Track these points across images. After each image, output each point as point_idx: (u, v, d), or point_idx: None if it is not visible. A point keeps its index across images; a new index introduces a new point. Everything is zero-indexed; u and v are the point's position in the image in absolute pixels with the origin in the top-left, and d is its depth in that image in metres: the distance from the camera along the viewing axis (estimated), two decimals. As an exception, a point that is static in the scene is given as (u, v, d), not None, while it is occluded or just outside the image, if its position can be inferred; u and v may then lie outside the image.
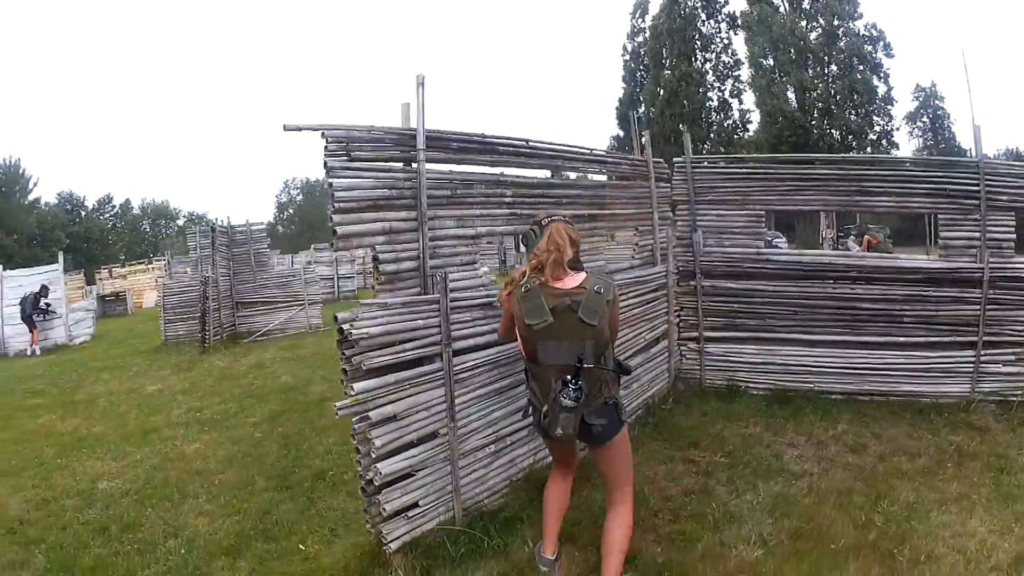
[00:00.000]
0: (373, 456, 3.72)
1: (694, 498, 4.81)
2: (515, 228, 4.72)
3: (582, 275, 3.22)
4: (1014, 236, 6.97)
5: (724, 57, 35.77)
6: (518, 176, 4.95)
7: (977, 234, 7.08)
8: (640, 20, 41.90)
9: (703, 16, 36.69)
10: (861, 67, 27.99)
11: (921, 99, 48.23)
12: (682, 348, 7.60)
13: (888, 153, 29.33)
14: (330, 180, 3.71)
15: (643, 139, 7.03)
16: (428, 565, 3.80)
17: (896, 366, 7.12)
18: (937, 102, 46.43)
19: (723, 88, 37.07)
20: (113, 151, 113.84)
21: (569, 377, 2.99)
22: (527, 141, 4.98)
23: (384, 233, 3.92)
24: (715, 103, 37.29)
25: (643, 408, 6.45)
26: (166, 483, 5.99)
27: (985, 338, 6.93)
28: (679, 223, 7.52)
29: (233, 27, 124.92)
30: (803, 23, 28.55)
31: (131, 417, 8.65)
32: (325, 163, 3.69)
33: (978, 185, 6.99)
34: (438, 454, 4.06)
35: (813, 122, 28.04)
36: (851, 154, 7.19)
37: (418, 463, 3.96)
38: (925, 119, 46.98)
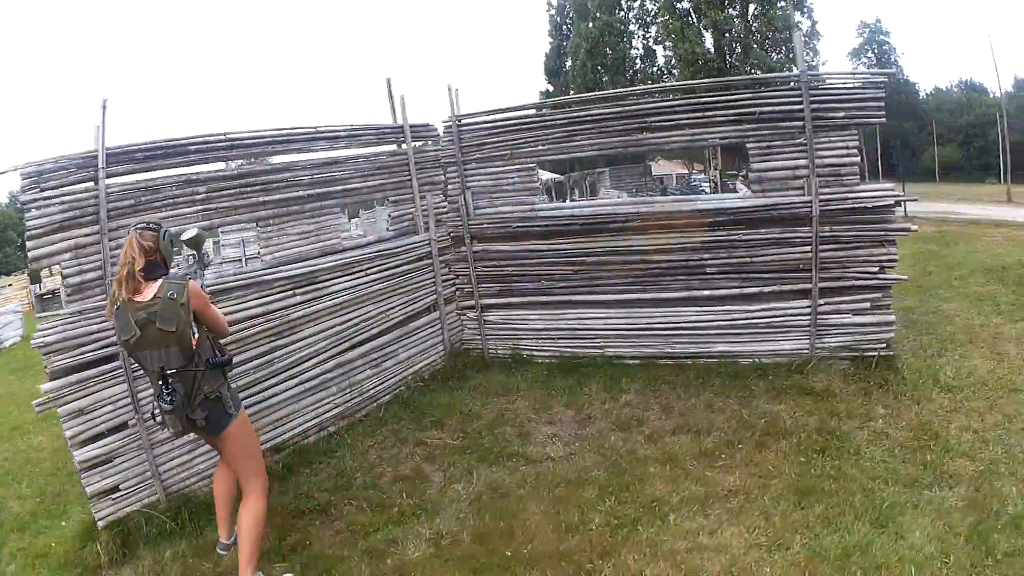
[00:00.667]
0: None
1: (400, 486, 4.57)
2: (211, 223, 5.01)
3: (157, 284, 3.23)
4: (857, 159, 5.82)
5: (649, 4, 34.44)
6: (213, 172, 5.13)
7: (803, 161, 5.87)
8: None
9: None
10: (782, 3, 26.39)
11: (865, 35, 48.20)
12: (463, 318, 7.12)
13: None
14: (23, 214, 4.20)
15: (400, 102, 6.63)
16: (128, 542, 4.17)
17: (705, 324, 6.24)
18: (882, 37, 46.36)
19: (647, 36, 35.86)
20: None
21: (161, 383, 3.15)
22: (225, 135, 5.17)
23: (71, 250, 4.35)
24: (640, 51, 35.92)
25: (403, 386, 6.22)
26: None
27: (824, 284, 5.90)
28: (450, 186, 7.04)
29: None
30: None
31: None
32: (19, 200, 4.24)
33: (801, 103, 5.81)
34: (130, 442, 4.42)
35: (733, 65, 26.43)
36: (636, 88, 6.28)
37: (112, 451, 4.35)
38: (871, 55, 46.91)
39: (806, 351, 6.02)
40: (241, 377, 4.89)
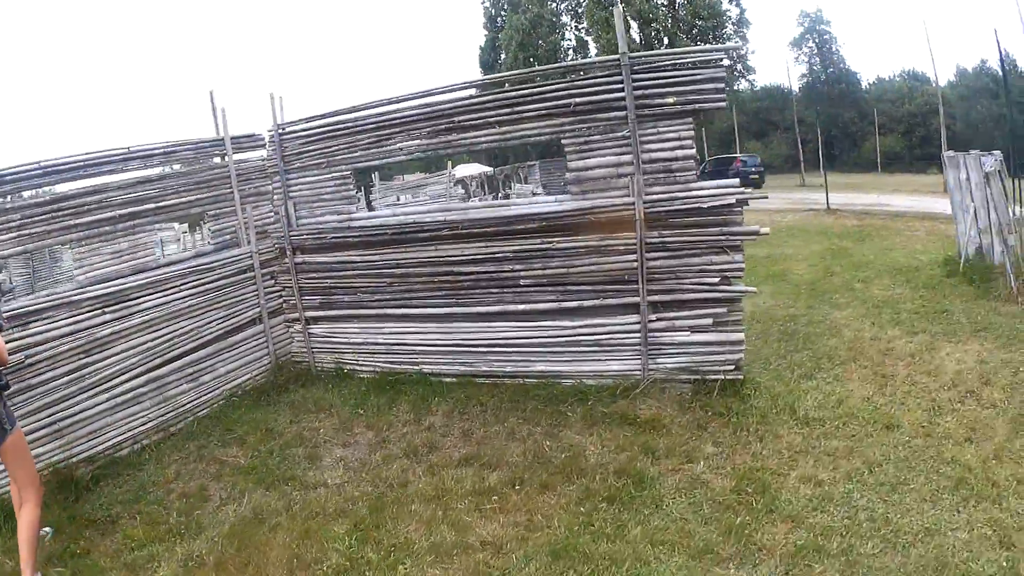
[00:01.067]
0: None
1: (181, 503, 4.43)
2: (24, 248, 5.20)
3: None
4: (692, 152, 5.05)
5: (582, -5, 33.44)
6: (26, 199, 5.37)
7: (627, 157, 5.10)
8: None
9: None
10: None
11: (806, 24, 48.64)
12: (291, 330, 6.88)
13: (738, 85, 27.98)
14: None
15: (221, 114, 6.49)
16: None
17: (523, 341, 5.63)
18: (823, 27, 46.79)
19: (580, 27, 35.29)
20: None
21: None
22: (39, 163, 5.21)
23: None
24: (573, 43, 35.20)
25: (223, 400, 6.11)
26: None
27: (654, 298, 5.16)
28: (276, 196, 6.76)
29: None
30: None
31: None
32: None
33: (623, 90, 5.04)
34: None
35: None
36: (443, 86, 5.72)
37: None
38: (812, 44, 47.27)
39: (637, 373, 5.30)
40: (53, 392, 4.96)
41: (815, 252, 10.72)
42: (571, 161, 5.35)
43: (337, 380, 6.41)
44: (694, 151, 5.04)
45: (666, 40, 26.53)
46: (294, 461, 4.88)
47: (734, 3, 26.97)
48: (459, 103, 5.77)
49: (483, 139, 5.69)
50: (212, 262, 6.18)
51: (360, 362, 6.50)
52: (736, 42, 26.62)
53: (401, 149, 5.97)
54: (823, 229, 13.50)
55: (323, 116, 6.40)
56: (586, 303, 5.43)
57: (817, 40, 49.19)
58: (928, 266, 9.05)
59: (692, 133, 5.02)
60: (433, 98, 5.92)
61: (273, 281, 6.73)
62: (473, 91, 6.03)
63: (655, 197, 5.07)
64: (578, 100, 5.22)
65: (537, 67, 5.39)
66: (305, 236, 6.57)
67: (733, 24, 27.04)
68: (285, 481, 4.58)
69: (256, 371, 6.47)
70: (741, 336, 5.07)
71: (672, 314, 5.22)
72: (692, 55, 5.00)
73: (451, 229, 5.70)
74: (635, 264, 5.15)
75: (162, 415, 5.64)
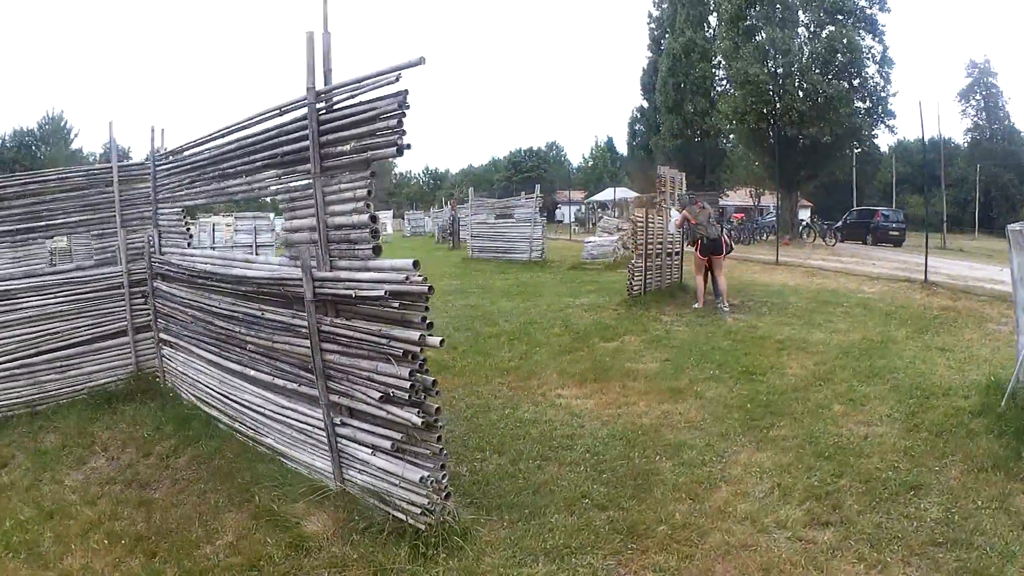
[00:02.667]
0: None
1: None
2: None
3: None
4: (365, 217, 4.04)
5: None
6: None
7: (312, 221, 4.33)
8: (667, -15, 38.25)
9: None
10: (844, 21, 22.64)
11: (974, 76, 43.37)
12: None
13: (877, 129, 24.29)
14: None
15: (113, 145, 7.66)
16: None
17: (258, 408, 5.22)
18: (991, 79, 41.73)
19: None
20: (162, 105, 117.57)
21: None
22: None
23: None
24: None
25: (85, 394, 6.99)
26: None
27: (334, 397, 4.32)
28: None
29: None
30: None
31: None
32: None
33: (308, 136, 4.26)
34: None
35: (785, 90, 23.10)
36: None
37: None
38: (979, 97, 42.32)
39: (330, 479, 4.42)
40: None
41: (843, 343, 8.51)
42: (284, 220, 4.63)
43: (169, 400, 6.66)
44: (367, 216, 3.94)
45: (799, 74, 23.57)
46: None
47: (876, 39, 23.31)
48: (221, 148, 5.41)
49: (238, 188, 5.22)
50: (88, 276, 7.14)
51: (182, 389, 6.66)
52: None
53: (195, 194, 6.10)
54: (893, 309, 10.94)
55: (175, 151, 6.61)
56: (289, 384, 4.70)
57: (984, 93, 43.67)
58: (962, 390, 6.31)
59: (367, 191, 3.95)
60: (215, 141, 5.54)
61: (143, 300, 7.25)
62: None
63: (327, 275, 4.12)
64: (285, 149, 4.42)
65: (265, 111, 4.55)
66: (157, 264, 6.89)
67: (875, 63, 23.42)
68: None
69: (118, 376, 7.20)
70: (422, 475, 3.79)
71: (355, 423, 4.22)
72: (370, 84, 3.85)
73: (211, 280, 5.48)
74: (309, 351, 4.30)
75: (32, 396, 6.75)
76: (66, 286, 7.00)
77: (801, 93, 23.22)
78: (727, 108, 25.37)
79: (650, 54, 41.57)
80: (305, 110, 4.21)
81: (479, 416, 6.06)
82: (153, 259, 6.98)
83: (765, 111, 24.24)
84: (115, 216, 7.28)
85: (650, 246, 11.64)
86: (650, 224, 11.68)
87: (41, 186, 7.19)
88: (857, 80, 23.65)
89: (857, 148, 26.38)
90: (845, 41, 22.27)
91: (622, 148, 58.86)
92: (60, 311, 6.93)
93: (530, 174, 64.71)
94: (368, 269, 3.98)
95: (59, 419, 6.33)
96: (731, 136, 26.78)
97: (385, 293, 3.77)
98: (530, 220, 20.56)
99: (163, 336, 7.03)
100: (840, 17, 23.07)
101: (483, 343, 9.10)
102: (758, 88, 23.49)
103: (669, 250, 12.50)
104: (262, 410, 5.08)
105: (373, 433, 4.09)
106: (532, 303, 12.01)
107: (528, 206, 20.80)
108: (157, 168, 7.00)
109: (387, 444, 3.97)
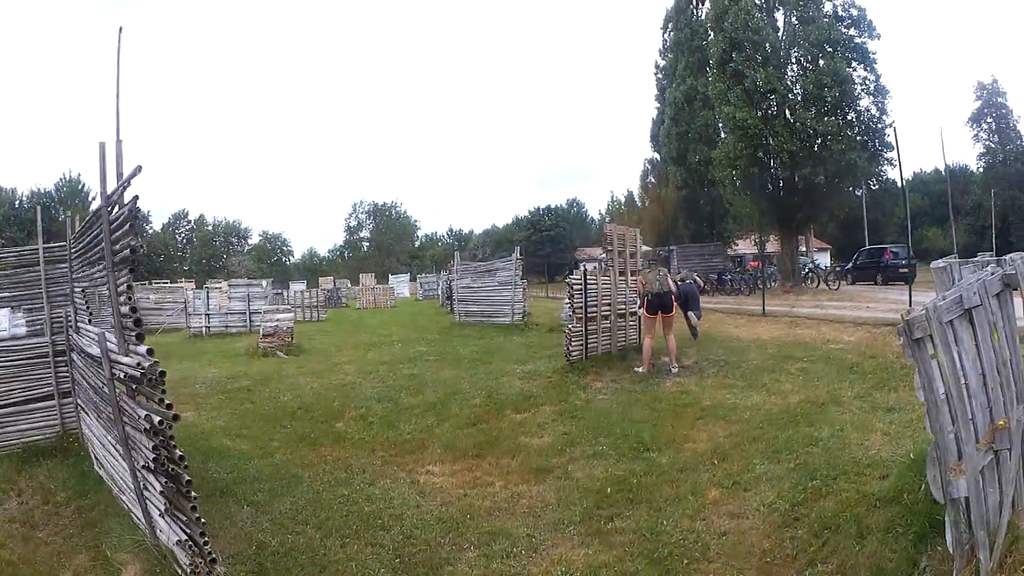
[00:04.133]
0: None
1: None
2: None
3: None
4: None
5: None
6: None
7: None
8: (669, 34, 38.35)
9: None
10: (832, 52, 22.21)
11: (983, 98, 42.43)
12: None
13: (879, 165, 23.53)
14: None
15: (40, 228, 7.96)
16: None
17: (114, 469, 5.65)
18: (1000, 99, 40.62)
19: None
20: (182, 169, 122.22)
21: None
22: None
23: None
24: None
25: (20, 448, 7.28)
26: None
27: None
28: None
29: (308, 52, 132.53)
30: (758, 14, 23.43)
31: None
32: None
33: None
34: None
35: (775, 132, 22.67)
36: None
37: None
38: (989, 120, 41.13)
39: (148, 534, 4.66)
40: None
41: (776, 408, 7.93)
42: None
43: (81, 458, 6.90)
44: (128, 307, 4.18)
45: (787, 113, 23.19)
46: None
47: (867, 68, 22.79)
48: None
49: (99, 275, 5.54)
50: (20, 345, 7.66)
51: (90, 449, 6.89)
52: (871, 113, 22.29)
53: (83, 277, 6.51)
54: (860, 360, 10.24)
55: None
56: (120, 449, 5.01)
57: (995, 115, 42.64)
58: (883, 466, 5.46)
59: (127, 285, 4.28)
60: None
61: (67, 368, 7.61)
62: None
63: (116, 357, 4.49)
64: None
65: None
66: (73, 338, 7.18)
67: (868, 94, 22.86)
68: None
69: (46, 435, 7.61)
70: (177, 539, 4.11)
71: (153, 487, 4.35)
72: (117, 191, 3.97)
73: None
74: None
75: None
76: (2, 353, 7.54)
77: (789, 133, 22.73)
78: (720, 155, 25.11)
79: (658, 105, 40.95)
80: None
81: (331, 489, 6.13)
82: (70, 333, 7.32)
83: (758, 155, 23.75)
84: (42, 293, 8.00)
85: (595, 309, 11.26)
86: (596, 285, 11.34)
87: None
88: (851, 115, 23.08)
89: (850, 187, 25.57)
90: (833, 74, 21.82)
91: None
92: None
93: (549, 232, 65.00)
94: (128, 354, 4.17)
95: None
96: (725, 184, 26.26)
97: (123, 375, 4.10)
98: (511, 283, 20.36)
99: (78, 401, 7.38)
100: (828, 48, 22.66)
101: (396, 415, 8.96)
102: (747, 132, 23.14)
103: (623, 311, 12.09)
104: (115, 471, 5.41)
105: (156, 497, 4.26)
106: (474, 371, 11.75)
107: (508, 269, 20.64)
108: (72, 251, 7.41)
109: (161, 507, 4.18)
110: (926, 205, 49.93)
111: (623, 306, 12.14)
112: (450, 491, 5.93)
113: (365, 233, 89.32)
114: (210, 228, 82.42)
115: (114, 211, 4.36)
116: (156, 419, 3.92)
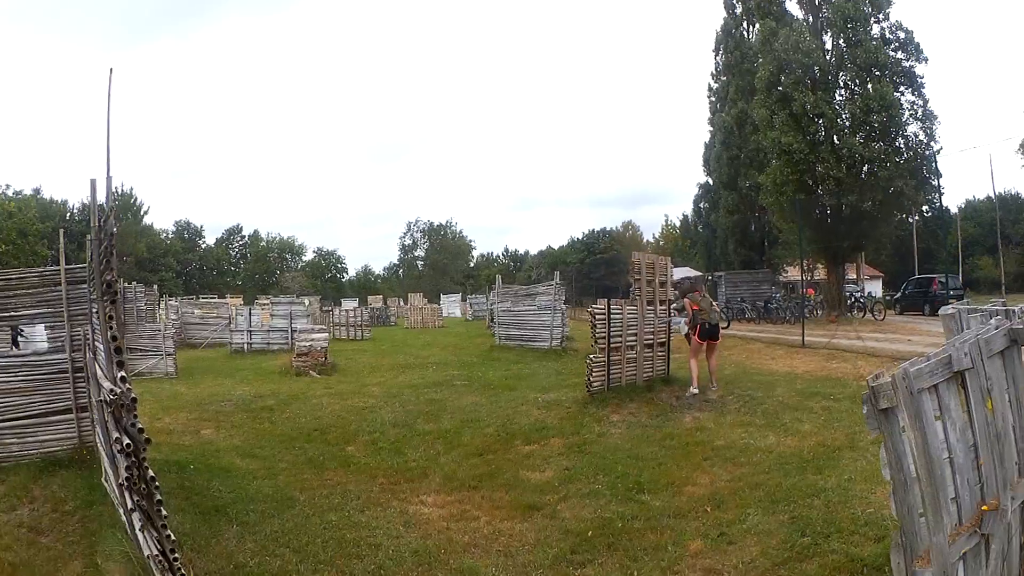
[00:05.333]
0: None
1: None
2: None
3: None
4: None
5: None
6: None
7: None
8: (721, 57, 38.05)
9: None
10: (880, 76, 21.56)
11: None
12: None
13: (927, 193, 22.69)
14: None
15: (63, 252, 8.55)
16: None
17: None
18: None
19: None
20: (241, 185, 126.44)
21: None
22: None
23: None
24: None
25: (39, 458, 7.71)
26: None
27: None
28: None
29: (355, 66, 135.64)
30: (808, 36, 22.93)
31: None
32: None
33: None
34: None
35: (821, 158, 22.14)
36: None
37: None
38: None
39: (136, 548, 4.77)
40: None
41: (788, 451, 7.64)
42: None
43: (94, 471, 7.09)
44: (111, 334, 4.45)
45: (835, 139, 22.61)
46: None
47: (915, 93, 22.03)
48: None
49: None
50: (42, 360, 8.12)
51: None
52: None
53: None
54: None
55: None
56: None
57: None
58: (880, 526, 5.12)
59: (109, 315, 4.58)
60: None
61: (86, 384, 7.85)
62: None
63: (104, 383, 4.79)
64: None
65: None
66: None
67: (916, 119, 22.13)
68: None
69: (63, 446, 7.98)
70: (148, 553, 4.21)
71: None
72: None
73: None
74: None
75: (-1, 456, 7.75)
76: (24, 368, 8.06)
77: (835, 159, 22.16)
78: (767, 180, 24.68)
79: (711, 128, 40.59)
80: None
81: (321, 514, 6.26)
82: (87, 351, 7.69)
83: (805, 180, 23.27)
84: (63, 311, 8.31)
85: (619, 339, 11.16)
86: (620, 315, 11.25)
87: (5, 283, 8.48)
88: (899, 141, 22.45)
89: (897, 215, 24.77)
90: (880, 98, 21.23)
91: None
92: (21, 387, 7.98)
93: (604, 255, 64.75)
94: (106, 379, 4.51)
95: (11, 474, 7.17)
96: (773, 210, 25.80)
97: (107, 400, 4.29)
98: (550, 308, 20.35)
99: (94, 416, 7.62)
100: (876, 72, 22.12)
101: (407, 441, 9.10)
102: (793, 157, 22.69)
103: (650, 341, 11.94)
104: (112, 485, 5.56)
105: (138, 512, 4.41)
106: (496, 399, 11.80)
107: (548, 294, 20.64)
108: (91, 273, 7.80)
109: (138, 524, 4.35)
110: (978, 234, 48.27)
111: (650, 336, 11.98)
112: (435, 523, 5.98)
113: (420, 252, 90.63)
114: (264, 244, 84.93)
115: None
116: (125, 441, 4.10)
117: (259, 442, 9.28)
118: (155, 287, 22.78)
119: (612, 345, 11.09)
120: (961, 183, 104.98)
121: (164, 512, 4.29)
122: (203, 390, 14.14)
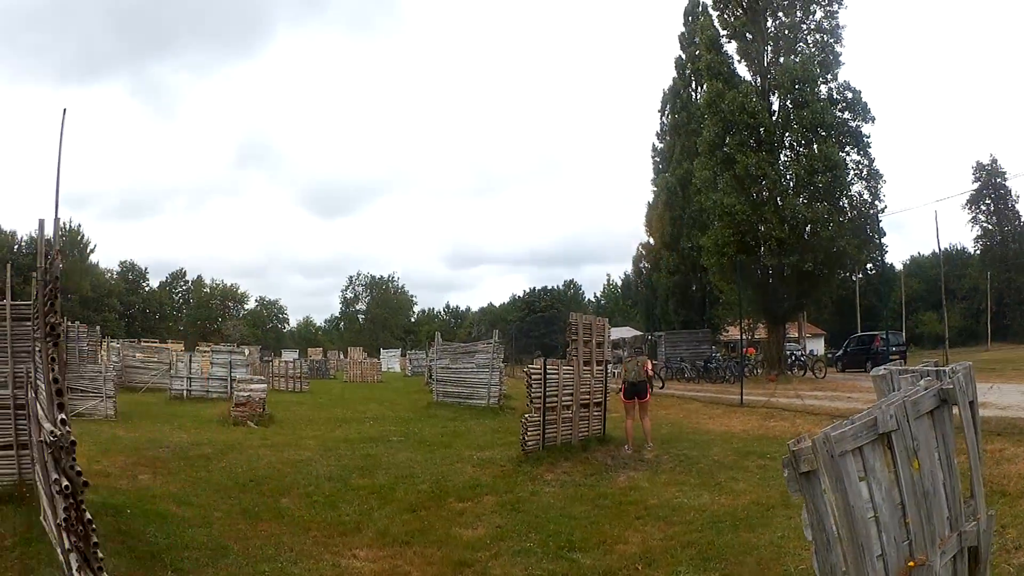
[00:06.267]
0: None
1: None
2: None
3: None
4: None
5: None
6: None
7: None
8: (667, 117, 39.80)
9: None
10: (826, 137, 22.83)
11: (982, 179, 43.67)
12: None
13: (871, 252, 24.02)
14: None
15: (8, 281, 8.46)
16: None
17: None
18: (999, 179, 41.93)
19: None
20: (178, 226, 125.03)
21: None
22: None
23: None
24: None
25: None
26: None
27: None
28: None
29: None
30: (754, 98, 24.15)
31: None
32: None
33: None
34: None
35: (764, 219, 23.18)
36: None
37: None
38: (988, 200, 42.28)
39: None
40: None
41: (722, 509, 7.90)
42: None
43: (34, 508, 6.95)
44: (52, 376, 4.50)
45: (778, 199, 23.75)
46: None
47: (860, 152, 23.37)
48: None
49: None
50: None
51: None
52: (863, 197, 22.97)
53: None
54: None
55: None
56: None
57: (994, 196, 43.75)
58: None
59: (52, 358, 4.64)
60: None
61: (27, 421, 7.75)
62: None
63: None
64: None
65: None
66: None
67: (861, 178, 23.49)
68: None
69: (5, 482, 7.88)
70: None
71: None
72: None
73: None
74: None
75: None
76: None
77: (778, 220, 22.99)
78: (709, 242, 25.50)
79: (654, 188, 42.00)
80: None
81: (254, 565, 6.25)
82: (28, 389, 7.52)
83: (746, 241, 24.04)
84: (7, 347, 8.10)
85: (555, 399, 11.49)
86: (556, 375, 11.61)
87: None
88: (844, 200, 23.52)
89: (840, 274, 25.92)
90: (825, 159, 22.20)
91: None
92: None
93: (543, 313, 65.53)
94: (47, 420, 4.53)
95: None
96: (713, 271, 26.73)
97: (47, 441, 4.28)
98: (489, 366, 20.60)
99: (34, 454, 7.43)
100: (822, 132, 23.05)
101: (341, 495, 9.08)
102: (735, 219, 23.45)
103: (586, 401, 12.31)
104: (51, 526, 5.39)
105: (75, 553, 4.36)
106: (431, 456, 11.86)
107: (487, 351, 20.91)
108: (35, 312, 7.63)
109: (75, 564, 4.22)
110: (922, 289, 50.14)
111: (587, 396, 12.35)
112: (369, 578, 6.03)
113: (361, 306, 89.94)
114: (207, 290, 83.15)
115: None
116: (64, 483, 4.14)
117: (195, 490, 9.13)
118: (98, 328, 22.08)
119: (548, 405, 11.42)
120: (906, 240, 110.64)
121: (100, 555, 4.34)
122: (141, 434, 13.92)
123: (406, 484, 9.60)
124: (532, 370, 11.53)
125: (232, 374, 23.78)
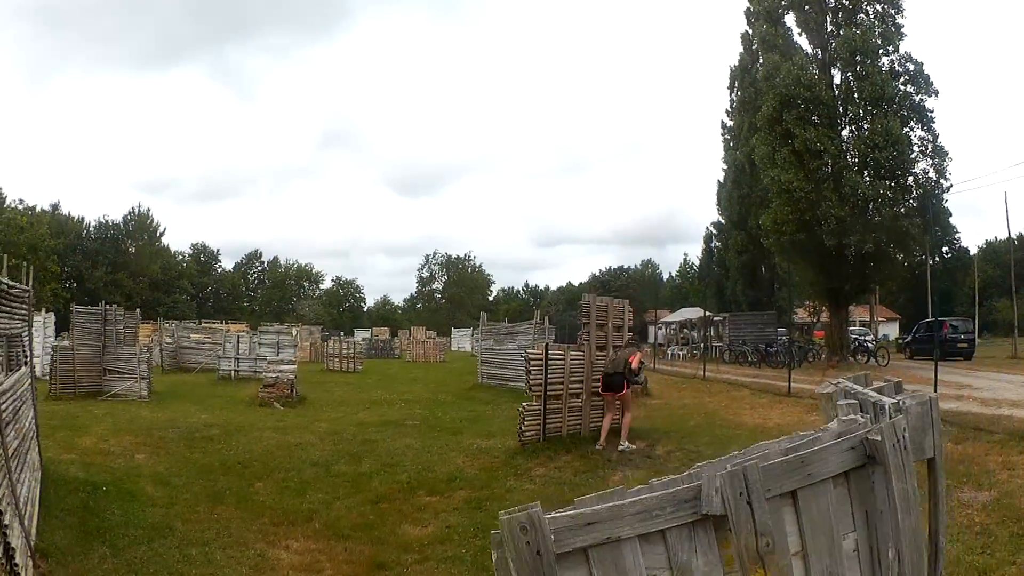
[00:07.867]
0: None
1: None
2: None
3: None
4: None
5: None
6: None
7: None
8: (736, 93, 38.10)
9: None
10: (887, 111, 21.11)
11: None
12: None
13: (943, 227, 22.22)
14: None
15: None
16: None
17: None
18: None
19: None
20: (255, 211, 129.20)
21: None
22: None
23: None
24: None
25: None
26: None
27: None
28: None
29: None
30: (810, 70, 22.70)
31: None
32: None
33: None
34: None
35: (824, 197, 21.73)
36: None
37: None
38: None
39: None
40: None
41: None
42: None
43: None
44: None
45: (840, 178, 22.20)
46: None
47: (925, 128, 21.62)
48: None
49: None
50: None
51: None
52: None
53: None
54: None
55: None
56: None
57: None
58: None
59: None
60: None
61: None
62: None
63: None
64: None
65: None
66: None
67: (928, 156, 21.69)
68: None
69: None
70: None
71: None
72: None
73: None
74: None
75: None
76: None
77: (838, 198, 21.71)
78: (768, 220, 24.39)
79: (724, 166, 40.56)
80: None
81: (185, 547, 6.35)
82: None
83: (805, 219, 22.79)
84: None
85: (560, 386, 11.10)
86: (563, 360, 11.22)
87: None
88: (908, 179, 22.03)
89: (904, 256, 24.29)
90: (886, 134, 20.75)
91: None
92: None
93: (618, 293, 64.46)
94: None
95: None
96: (775, 251, 25.54)
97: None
98: (530, 348, 20.27)
99: None
100: (884, 106, 21.68)
101: (315, 483, 9.13)
102: (793, 196, 22.33)
103: (596, 388, 11.85)
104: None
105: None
106: (432, 443, 11.72)
107: (529, 332, 20.62)
108: None
109: None
110: (997, 275, 48.32)
111: (597, 384, 11.89)
112: (281, 570, 5.95)
113: (438, 285, 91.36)
114: (283, 270, 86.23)
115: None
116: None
117: (179, 471, 9.38)
118: (137, 311, 23.19)
119: (553, 392, 11.03)
120: (982, 223, 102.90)
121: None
122: (162, 416, 14.42)
123: (386, 473, 9.51)
124: (532, 355, 11.15)
125: (278, 355, 24.48)
